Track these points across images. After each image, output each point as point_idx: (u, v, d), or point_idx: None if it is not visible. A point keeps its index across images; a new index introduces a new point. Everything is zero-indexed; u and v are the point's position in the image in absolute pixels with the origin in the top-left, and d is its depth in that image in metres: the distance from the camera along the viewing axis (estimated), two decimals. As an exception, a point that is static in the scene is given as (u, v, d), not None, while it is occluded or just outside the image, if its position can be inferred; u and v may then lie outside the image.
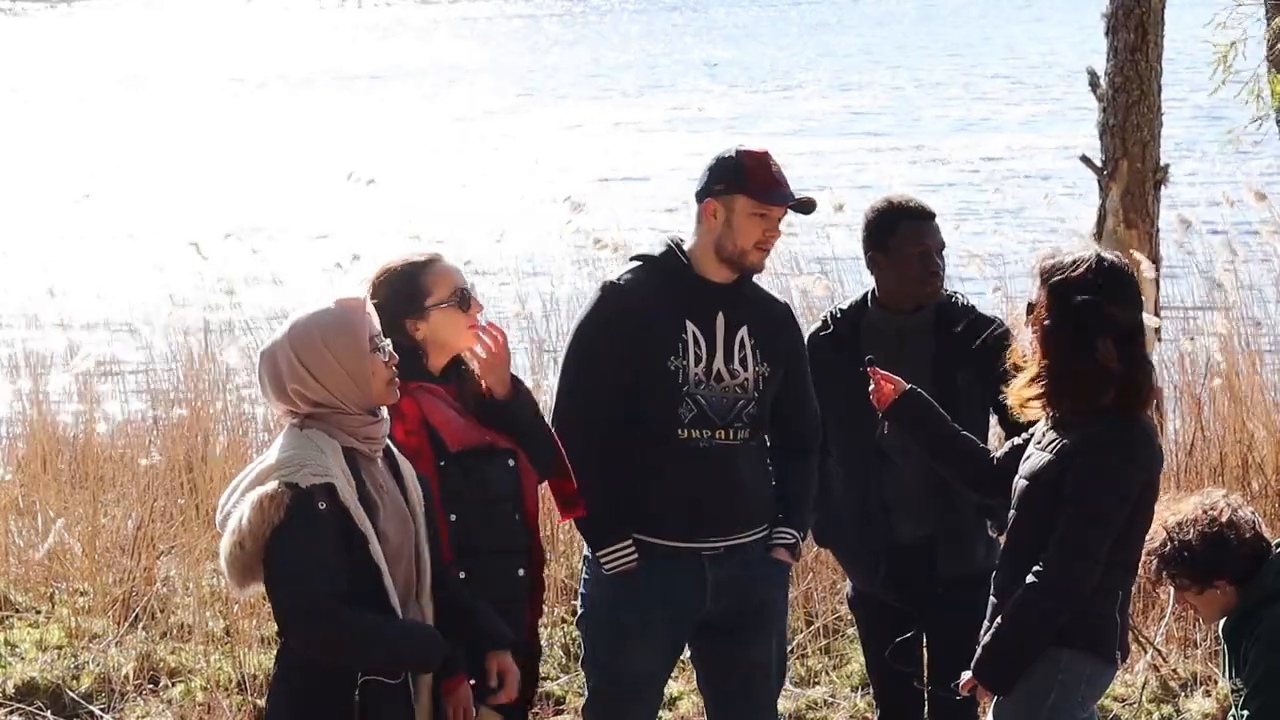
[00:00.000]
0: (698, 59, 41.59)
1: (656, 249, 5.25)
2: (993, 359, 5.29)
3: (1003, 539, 5.51)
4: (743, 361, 5.18)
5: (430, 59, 41.84)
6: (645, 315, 5.13)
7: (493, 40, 49.15)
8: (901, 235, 5.59)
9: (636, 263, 5.26)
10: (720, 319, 5.16)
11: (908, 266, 5.58)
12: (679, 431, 5.12)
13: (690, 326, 5.13)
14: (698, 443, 5.13)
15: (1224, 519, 4.90)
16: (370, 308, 4.46)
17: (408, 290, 4.90)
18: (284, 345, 4.35)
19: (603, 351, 5.16)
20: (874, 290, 5.71)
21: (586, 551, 5.30)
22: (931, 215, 5.66)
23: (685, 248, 5.21)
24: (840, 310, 5.77)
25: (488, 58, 42.47)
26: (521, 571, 5.02)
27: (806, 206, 5.16)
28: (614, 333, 5.14)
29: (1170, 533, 4.91)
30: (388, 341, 4.44)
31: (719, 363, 5.15)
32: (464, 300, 4.97)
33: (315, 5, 61.12)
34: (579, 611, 5.40)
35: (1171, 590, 5.02)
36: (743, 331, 5.18)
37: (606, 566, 5.18)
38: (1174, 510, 4.97)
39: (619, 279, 5.21)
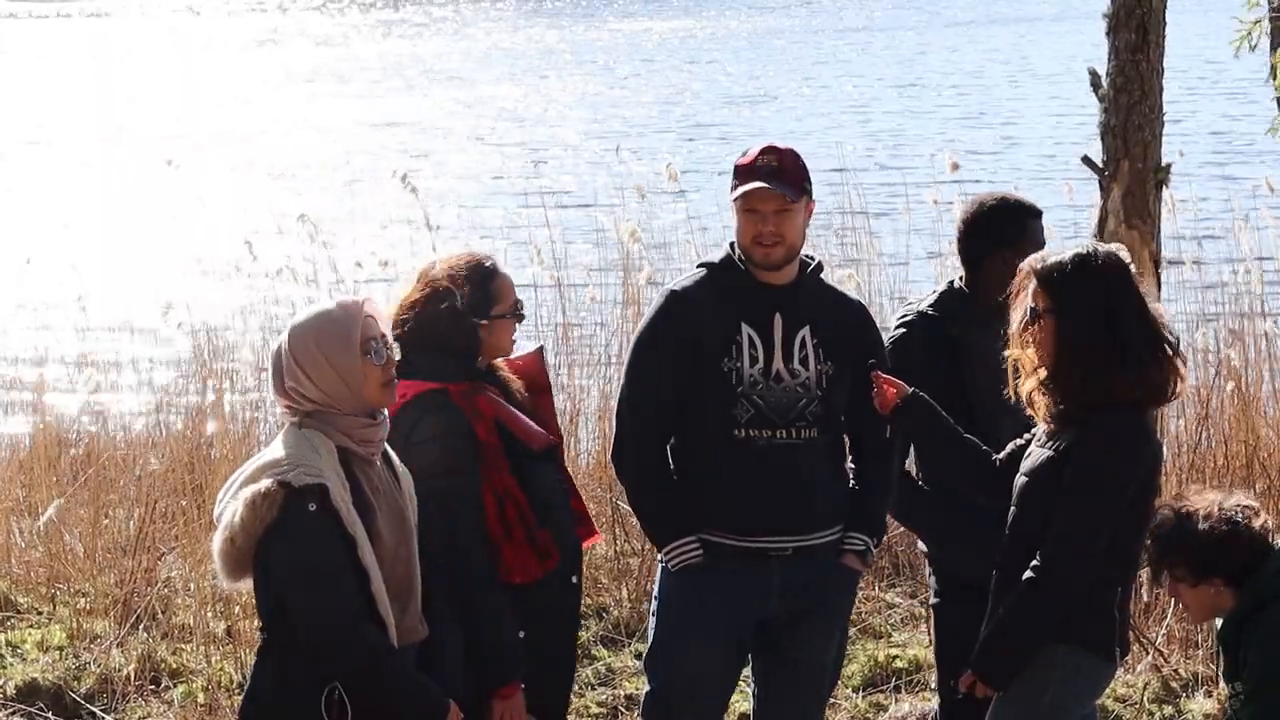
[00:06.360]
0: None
1: (718, 255, 5.34)
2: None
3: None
4: (803, 361, 5.22)
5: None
6: (701, 320, 5.22)
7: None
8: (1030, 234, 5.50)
9: (700, 270, 5.35)
10: (778, 320, 5.22)
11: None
12: (735, 431, 5.17)
13: (746, 329, 5.20)
14: (756, 442, 5.17)
15: (1236, 517, 4.82)
16: (372, 309, 4.45)
17: (481, 292, 4.95)
18: (285, 342, 4.39)
19: (660, 356, 5.26)
20: (964, 288, 5.55)
21: (660, 556, 5.35)
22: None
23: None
24: (931, 308, 5.58)
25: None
26: (574, 578, 5.11)
27: (771, 176, 5.14)
28: (670, 337, 5.25)
29: (1178, 520, 4.89)
30: (395, 346, 4.44)
31: (778, 363, 5.20)
32: (518, 313, 5.05)
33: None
34: (651, 611, 5.44)
35: (1166, 581, 5.00)
36: (804, 331, 5.24)
37: (672, 563, 5.25)
38: (1191, 501, 4.95)
39: (680, 286, 5.33)
